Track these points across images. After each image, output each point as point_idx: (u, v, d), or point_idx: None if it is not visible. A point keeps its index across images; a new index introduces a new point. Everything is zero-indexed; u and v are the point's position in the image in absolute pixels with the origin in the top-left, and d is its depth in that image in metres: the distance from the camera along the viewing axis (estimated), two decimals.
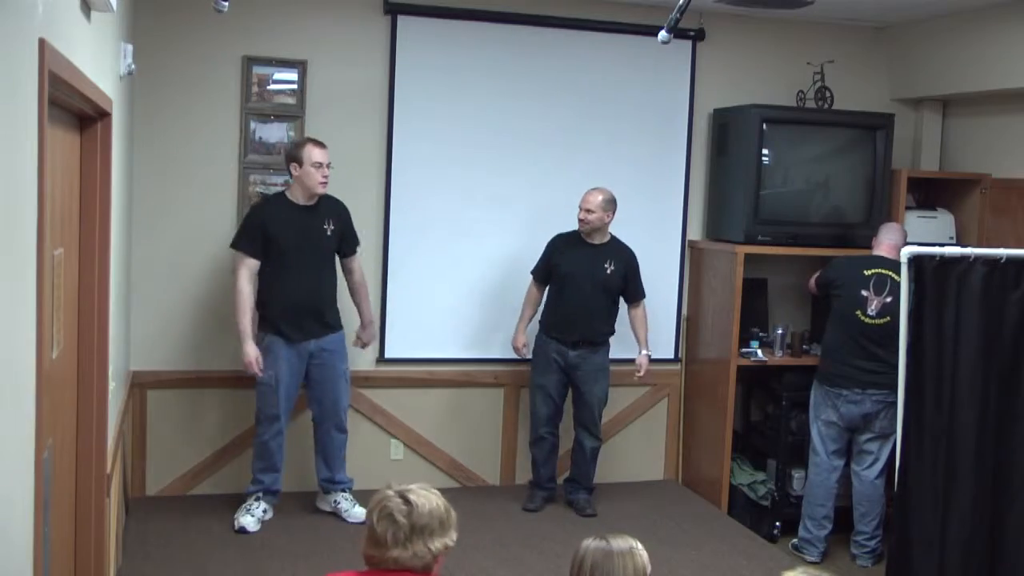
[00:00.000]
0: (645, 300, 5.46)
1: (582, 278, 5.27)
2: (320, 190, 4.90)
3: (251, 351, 4.84)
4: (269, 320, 4.93)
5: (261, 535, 4.88)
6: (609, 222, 5.28)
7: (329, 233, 4.99)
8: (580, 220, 5.26)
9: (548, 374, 5.34)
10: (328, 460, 5.14)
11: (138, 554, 4.58)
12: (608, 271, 5.28)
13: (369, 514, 2.43)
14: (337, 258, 5.10)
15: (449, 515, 2.42)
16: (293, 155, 4.89)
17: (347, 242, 5.09)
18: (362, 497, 4.90)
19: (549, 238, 5.44)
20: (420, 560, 2.35)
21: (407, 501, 2.37)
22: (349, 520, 5.05)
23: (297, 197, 4.93)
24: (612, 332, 5.40)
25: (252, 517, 4.93)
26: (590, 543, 2.52)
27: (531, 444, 5.49)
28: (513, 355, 5.61)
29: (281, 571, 4.51)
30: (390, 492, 2.41)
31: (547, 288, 5.42)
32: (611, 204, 5.25)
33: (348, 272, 5.14)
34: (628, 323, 5.47)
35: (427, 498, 2.39)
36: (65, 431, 2.94)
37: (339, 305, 5.11)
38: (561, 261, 5.32)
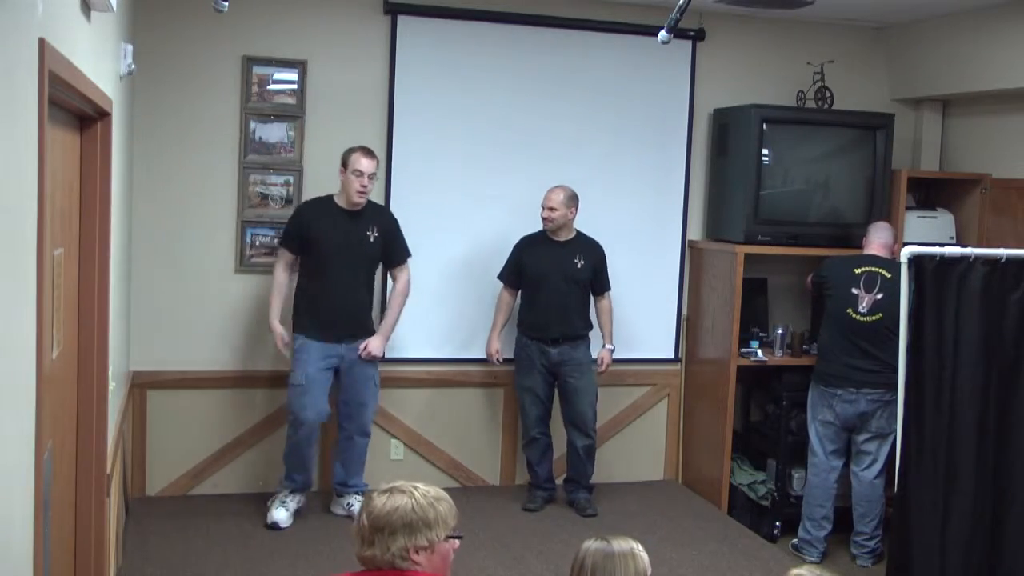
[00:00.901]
0: (611, 293, 5.47)
1: (554, 276, 5.29)
2: (356, 199, 4.91)
3: (277, 327, 4.96)
4: (303, 320, 4.97)
5: (260, 536, 4.88)
6: (573, 218, 5.32)
7: (372, 240, 5.00)
8: (544, 219, 5.29)
9: (532, 374, 5.36)
10: (347, 463, 5.15)
11: (138, 554, 4.58)
12: (578, 266, 5.31)
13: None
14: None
15: (419, 514, 2.35)
16: (343, 159, 4.94)
17: (392, 252, 5.12)
18: None
19: None
20: (385, 560, 2.34)
21: (371, 502, 2.38)
22: None
23: (342, 202, 4.97)
24: (591, 326, 5.42)
25: (286, 511, 4.97)
26: (590, 544, 2.52)
27: (524, 447, 5.50)
28: (513, 355, 5.62)
29: (282, 571, 4.51)
30: (375, 491, 2.42)
31: (519, 291, 5.44)
32: (573, 200, 5.29)
33: (393, 279, 5.20)
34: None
35: (398, 498, 2.36)
36: (65, 431, 2.94)
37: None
38: (530, 261, 5.35)
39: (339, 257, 4.94)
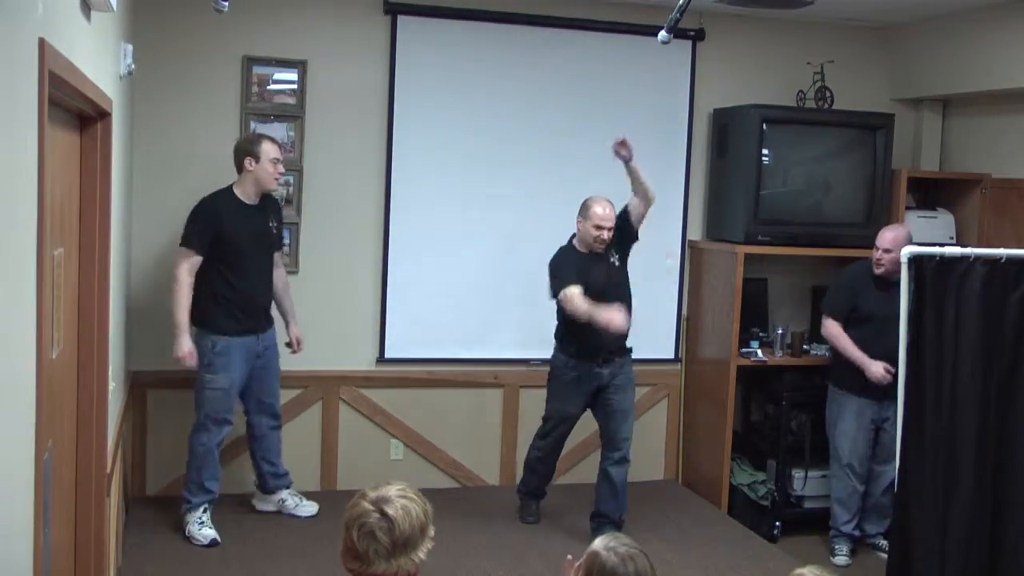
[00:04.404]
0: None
1: (610, 292, 4.92)
2: (275, 186, 4.85)
3: (188, 344, 4.71)
4: (222, 320, 4.76)
5: (259, 536, 4.88)
6: None
7: (274, 230, 4.96)
8: (602, 242, 4.88)
9: (576, 399, 5.02)
10: (270, 455, 5.08)
11: (138, 554, 4.58)
12: (616, 266, 4.99)
13: (347, 528, 2.35)
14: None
15: (427, 515, 2.36)
16: (246, 151, 4.76)
17: (280, 239, 5.06)
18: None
19: (548, 237, 5.43)
20: (405, 570, 2.33)
21: (385, 516, 2.30)
22: (302, 515, 5.09)
23: (244, 195, 4.79)
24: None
25: (211, 528, 4.80)
26: (603, 549, 2.51)
27: (537, 460, 5.24)
28: (513, 355, 5.63)
29: (282, 569, 4.52)
30: (368, 506, 2.33)
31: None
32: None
33: (275, 268, 5.04)
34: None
35: (405, 508, 2.32)
36: (65, 431, 2.94)
37: None
38: (588, 280, 4.91)
39: (253, 251, 4.83)
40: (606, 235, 4.87)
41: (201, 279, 4.74)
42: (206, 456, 4.84)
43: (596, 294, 4.84)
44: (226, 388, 4.81)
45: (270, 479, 5.13)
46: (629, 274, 5.06)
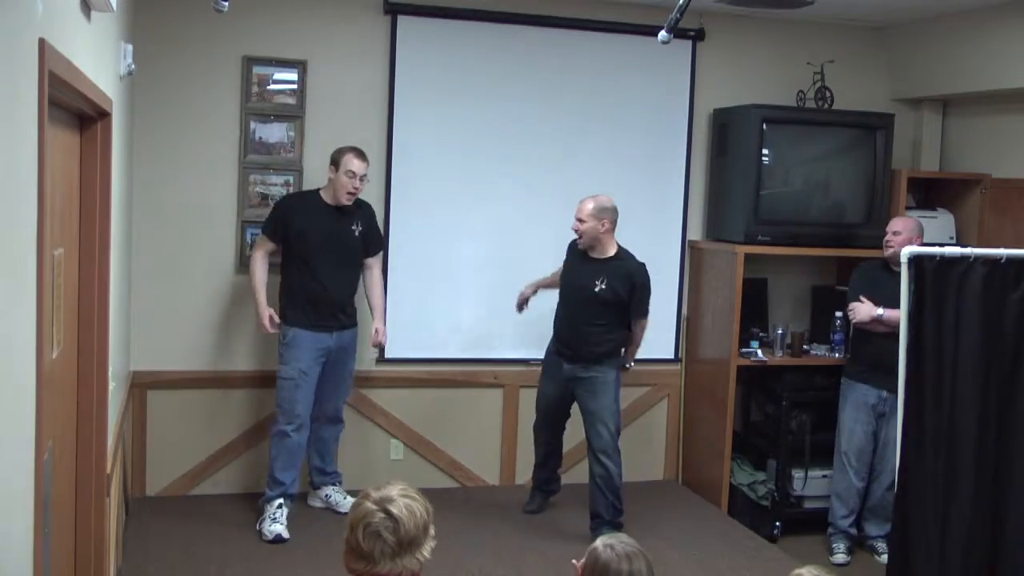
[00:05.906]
0: (644, 321, 5.08)
1: (575, 293, 5.00)
2: (345, 200, 4.91)
3: (267, 310, 4.91)
4: (293, 312, 4.92)
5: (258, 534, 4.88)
6: (604, 231, 4.90)
7: (357, 235, 5.03)
8: (573, 229, 4.96)
9: (547, 383, 5.20)
10: (325, 452, 5.18)
11: (138, 554, 4.58)
12: (596, 288, 4.91)
13: (352, 528, 2.35)
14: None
15: (428, 514, 2.37)
16: (333, 158, 4.93)
17: (371, 244, 5.15)
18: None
19: (548, 237, 5.45)
20: (410, 569, 2.33)
21: (391, 516, 2.30)
22: (343, 512, 5.09)
23: (328, 198, 4.96)
24: (614, 351, 5.06)
25: (281, 525, 4.84)
26: (601, 546, 2.51)
27: (534, 443, 5.35)
28: (513, 355, 5.65)
29: (282, 570, 4.52)
30: (372, 506, 2.33)
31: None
32: (604, 212, 4.88)
33: (368, 270, 5.18)
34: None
35: (409, 508, 2.33)
36: (65, 431, 2.94)
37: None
38: (564, 271, 5.14)
39: (326, 251, 4.92)
40: (574, 224, 4.92)
41: (279, 273, 4.96)
42: (278, 447, 4.92)
43: (563, 288, 5.11)
44: (294, 378, 4.88)
45: (316, 475, 5.21)
46: (613, 310, 4.95)
